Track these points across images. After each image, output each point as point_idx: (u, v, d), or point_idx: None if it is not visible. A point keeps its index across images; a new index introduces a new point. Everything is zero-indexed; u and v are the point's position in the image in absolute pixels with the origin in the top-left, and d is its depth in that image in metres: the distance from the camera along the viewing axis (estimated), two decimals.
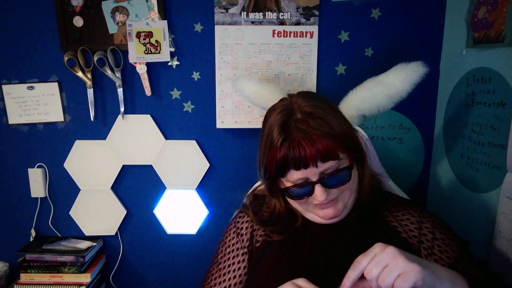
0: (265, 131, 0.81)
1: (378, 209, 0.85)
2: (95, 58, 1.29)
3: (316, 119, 0.75)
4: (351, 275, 0.63)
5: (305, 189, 0.77)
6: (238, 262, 0.85)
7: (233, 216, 0.98)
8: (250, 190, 1.02)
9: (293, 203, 0.83)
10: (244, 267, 0.85)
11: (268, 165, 0.78)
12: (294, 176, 0.76)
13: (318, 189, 0.75)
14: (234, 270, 0.85)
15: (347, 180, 0.77)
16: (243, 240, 0.88)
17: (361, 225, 0.82)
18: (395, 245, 0.79)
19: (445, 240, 0.79)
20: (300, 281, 0.66)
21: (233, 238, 0.90)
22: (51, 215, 1.44)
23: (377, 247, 0.63)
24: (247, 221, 0.91)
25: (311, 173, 0.75)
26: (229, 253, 0.88)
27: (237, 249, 0.87)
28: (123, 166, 1.41)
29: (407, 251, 0.78)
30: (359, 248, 0.78)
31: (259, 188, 0.99)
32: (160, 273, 1.50)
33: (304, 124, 0.74)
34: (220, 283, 0.84)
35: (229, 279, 0.84)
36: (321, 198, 0.75)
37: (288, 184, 0.78)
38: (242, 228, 0.90)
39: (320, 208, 0.79)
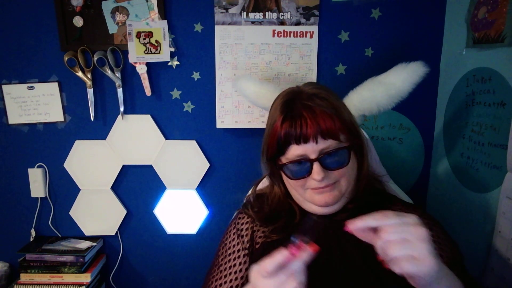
0: (270, 113, 0.83)
1: (378, 210, 0.84)
2: (95, 58, 1.29)
3: (322, 99, 0.77)
4: (369, 221, 0.60)
5: (303, 168, 0.77)
6: (240, 263, 0.85)
7: (233, 217, 0.97)
8: (252, 188, 1.01)
9: (291, 189, 0.83)
10: (246, 269, 0.84)
11: (271, 141, 0.79)
12: (294, 152, 0.77)
13: (316, 167, 0.75)
14: (235, 272, 0.84)
15: (346, 162, 0.77)
16: (243, 242, 0.87)
17: None
18: None
19: (436, 250, 0.77)
20: (262, 262, 0.64)
21: (233, 239, 0.89)
22: (51, 215, 1.44)
23: (412, 218, 0.59)
24: (247, 222, 0.90)
25: (311, 150, 0.75)
26: (229, 254, 0.87)
27: (238, 250, 0.87)
28: (123, 166, 1.41)
29: None
30: (357, 249, 0.77)
31: (259, 188, 0.98)
32: (160, 273, 1.50)
33: (310, 100, 0.76)
34: (221, 284, 0.84)
35: (231, 280, 0.84)
36: (317, 177, 0.75)
37: (287, 161, 0.79)
38: (242, 230, 0.90)
39: (317, 193, 0.79)
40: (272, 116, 0.81)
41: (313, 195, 0.79)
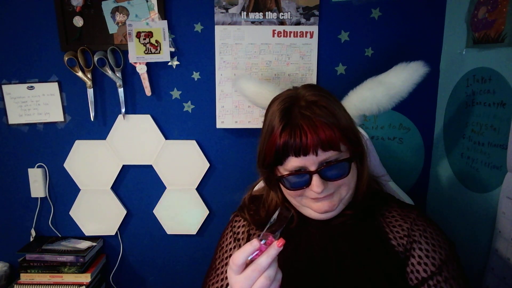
0: (267, 119, 0.79)
1: (374, 213, 0.83)
2: (95, 58, 1.29)
3: (321, 107, 0.73)
4: None
5: (302, 179, 0.75)
6: None
7: (229, 220, 0.96)
8: (248, 192, 1.00)
9: (289, 196, 0.81)
10: None
11: (268, 151, 0.76)
12: (293, 163, 0.74)
13: (316, 179, 0.73)
14: None
15: (346, 173, 0.75)
16: (240, 245, 0.86)
17: (356, 231, 0.81)
18: (384, 252, 0.77)
19: (429, 252, 0.76)
20: (233, 255, 0.64)
21: (230, 243, 0.88)
22: (51, 215, 1.44)
23: None
24: (243, 226, 0.89)
25: (310, 161, 0.73)
26: (226, 258, 0.86)
27: None
28: (123, 166, 1.41)
29: (393, 258, 0.76)
30: (353, 255, 0.77)
31: (255, 189, 0.98)
32: (160, 273, 1.50)
33: (309, 110, 0.73)
34: None
35: (227, 285, 0.83)
36: (317, 190, 0.73)
37: (286, 173, 0.76)
38: (239, 233, 0.89)
39: (315, 201, 0.77)
40: (270, 122, 0.77)
41: (312, 203, 0.78)
